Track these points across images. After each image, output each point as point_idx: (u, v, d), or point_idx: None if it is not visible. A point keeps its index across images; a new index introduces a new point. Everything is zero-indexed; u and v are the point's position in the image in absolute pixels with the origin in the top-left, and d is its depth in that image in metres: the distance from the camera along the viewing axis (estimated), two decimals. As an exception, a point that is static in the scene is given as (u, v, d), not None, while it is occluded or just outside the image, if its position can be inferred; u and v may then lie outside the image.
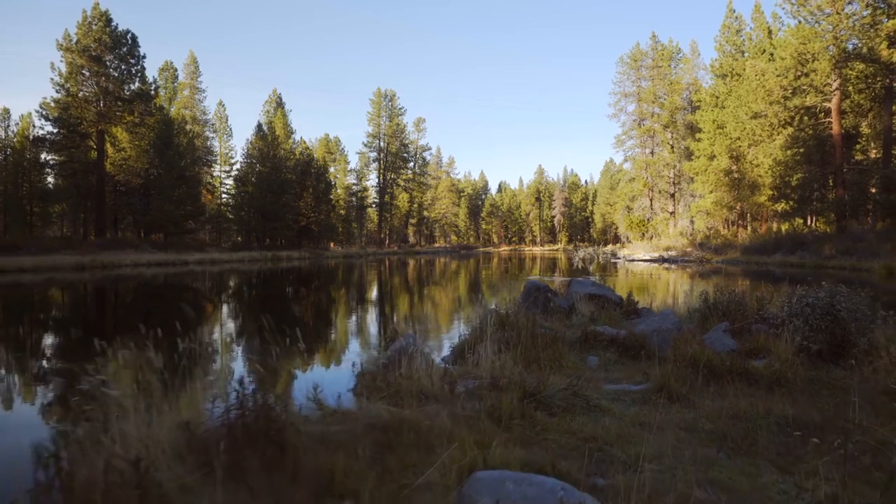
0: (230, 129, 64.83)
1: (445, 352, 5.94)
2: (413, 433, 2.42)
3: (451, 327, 9.72)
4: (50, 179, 48.49)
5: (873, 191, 33.32)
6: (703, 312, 6.44)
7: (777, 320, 5.23)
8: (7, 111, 50.73)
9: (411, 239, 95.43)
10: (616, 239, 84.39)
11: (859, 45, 31.19)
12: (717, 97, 46.41)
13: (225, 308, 15.39)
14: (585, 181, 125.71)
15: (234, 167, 62.94)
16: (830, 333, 4.46)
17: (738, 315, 6.03)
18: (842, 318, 4.42)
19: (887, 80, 31.00)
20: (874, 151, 35.83)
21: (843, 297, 4.56)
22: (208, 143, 61.09)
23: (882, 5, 30.26)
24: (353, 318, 13.38)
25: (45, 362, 7.75)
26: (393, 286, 24.20)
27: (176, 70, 58.75)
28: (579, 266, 36.23)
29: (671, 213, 56.95)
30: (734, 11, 48.79)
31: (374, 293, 20.66)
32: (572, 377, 3.75)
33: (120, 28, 41.57)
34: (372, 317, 13.46)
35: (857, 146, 36.03)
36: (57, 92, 39.82)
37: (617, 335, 5.43)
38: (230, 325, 11.58)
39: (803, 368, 4.20)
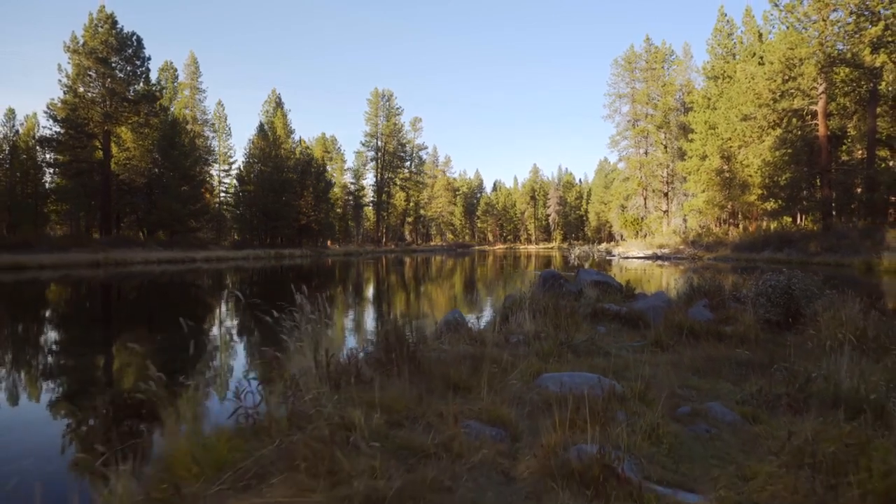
0: (229, 129, 65.75)
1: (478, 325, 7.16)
2: (490, 361, 3.60)
3: (468, 309, 11.26)
4: (47, 178, 49.48)
5: (859, 190, 34.67)
6: (689, 294, 7.66)
7: (746, 299, 6.46)
8: (12, 111, 51.43)
9: (408, 237, 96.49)
10: (610, 237, 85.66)
11: (844, 50, 32.48)
12: (709, 99, 47.60)
13: (282, 296, 16.97)
14: (580, 180, 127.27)
15: (234, 166, 63.90)
16: (786, 307, 5.67)
17: (716, 295, 7.25)
18: (795, 295, 5.62)
19: (871, 84, 32.28)
20: (859, 152, 37.16)
21: (797, 280, 5.77)
22: (208, 142, 61.87)
23: (865, 13, 31.58)
24: (394, 300, 15.27)
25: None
26: (408, 280, 25.74)
27: (176, 70, 59.40)
28: (575, 263, 37.30)
29: (665, 212, 58.25)
30: (726, 15, 50.06)
31: (394, 285, 22.60)
32: (589, 335, 5.00)
33: (125, 30, 42.51)
34: (409, 299, 15.51)
35: (843, 147, 37.37)
36: (64, 93, 40.68)
37: (620, 311, 6.66)
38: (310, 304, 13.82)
39: (762, 332, 5.43)
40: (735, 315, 6.08)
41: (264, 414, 2.34)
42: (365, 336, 4.95)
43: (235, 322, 11.16)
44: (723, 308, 6.67)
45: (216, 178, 63.83)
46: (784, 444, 2.21)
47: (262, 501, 1.70)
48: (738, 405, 3.19)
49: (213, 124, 63.43)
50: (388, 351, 3.35)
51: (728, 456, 2.43)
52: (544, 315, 5.64)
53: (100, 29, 41.52)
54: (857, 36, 31.50)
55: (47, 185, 48.81)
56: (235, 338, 9.38)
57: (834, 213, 34.98)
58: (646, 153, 60.26)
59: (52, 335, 10.01)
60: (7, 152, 48.66)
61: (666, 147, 57.86)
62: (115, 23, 42.06)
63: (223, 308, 13.62)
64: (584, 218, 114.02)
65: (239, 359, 7.57)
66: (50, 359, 7.73)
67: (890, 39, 30.97)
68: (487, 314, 7.01)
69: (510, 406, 2.79)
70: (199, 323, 10.54)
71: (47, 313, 12.93)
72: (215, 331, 10.04)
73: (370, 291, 19.45)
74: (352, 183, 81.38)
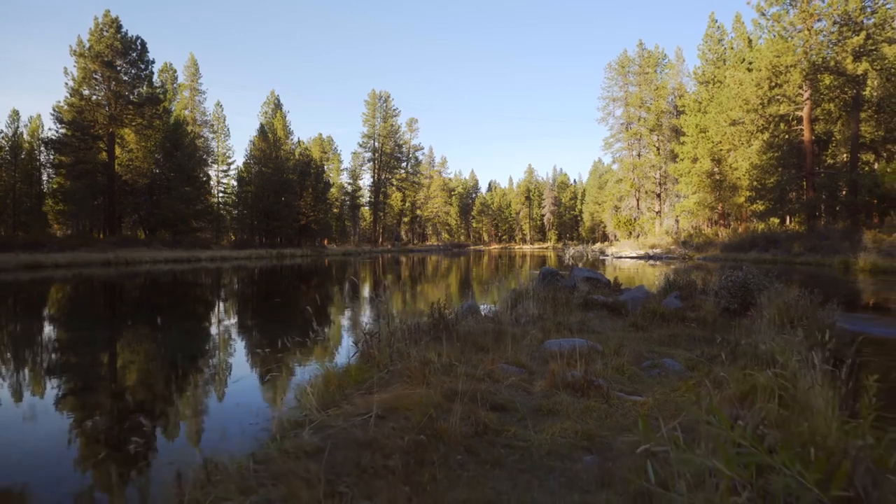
0: (227, 130, 66.56)
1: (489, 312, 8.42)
2: (506, 334, 4.79)
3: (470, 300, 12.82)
4: (45, 178, 50.32)
5: (844, 193, 35.99)
6: (665, 288, 8.89)
7: (712, 291, 7.69)
8: (16, 113, 52.21)
9: (404, 237, 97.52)
10: (604, 237, 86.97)
11: (828, 58, 33.80)
12: (700, 103, 48.84)
13: (317, 289, 19.33)
14: (574, 180, 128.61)
15: (232, 167, 64.81)
16: (742, 298, 6.88)
17: (688, 289, 8.48)
18: (750, 288, 6.83)
19: (854, 90, 33.62)
20: (844, 155, 38.49)
21: (753, 276, 6.99)
22: (207, 143, 62.62)
23: (848, 23, 32.92)
24: (411, 292, 17.03)
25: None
26: (414, 278, 27.02)
27: (175, 72, 60.17)
28: (569, 263, 38.49)
29: (657, 213, 59.55)
30: (716, 21, 51.43)
31: (405, 282, 24.13)
32: (581, 318, 6.23)
33: (129, 34, 43.49)
34: (422, 292, 17.17)
35: (829, 151, 38.72)
36: (70, 95, 41.62)
37: (607, 301, 7.88)
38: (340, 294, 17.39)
39: (720, 317, 6.66)
40: (700, 304, 7.33)
41: (374, 355, 3.57)
42: (405, 315, 6.20)
43: (315, 305, 13.85)
44: (692, 299, 7.91)
45: (214, 178, 64.68)
46: (703, 378, 3.40)
47: (391, 394, 2.88)
48: (685, 361, 4.40)
49: (213, 125, 64.26)
50: (434, 323, 4.55)
51: (667, 383, 3.64)
52: (545, 303, 6.88)
53: (105, 33, 42.47)
54: (840, 45, 32.82)
55: (47, 185, 49.68)
56: (331, 313, 12.33)
57: (822, 215, 36.29)
58: (638, 155, 61.59)
59: (174, 317, 12.11)
60: (7, 151, 49.27)
61: (658, 149, 59.19)
62: (119, 27, 43.02)
63: (294, 297, 16.22)
64: (579, 218, 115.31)
65: (338, 323, 10.56)
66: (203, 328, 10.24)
67: (872, 48, 32.33)
68: (492, 306, 8.21)
69: (526, 357, 4.03)
70: (291, 305, 13.41)
71: (146, 303, 14.89)
72: (307, 309, 13.07)
73: (387, 286, 20.93)
74: (348, 183, 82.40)
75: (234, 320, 11.55)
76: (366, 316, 11.13)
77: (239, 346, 8.39)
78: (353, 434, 2.39)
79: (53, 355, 7.58)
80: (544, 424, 2.99)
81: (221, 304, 14.64)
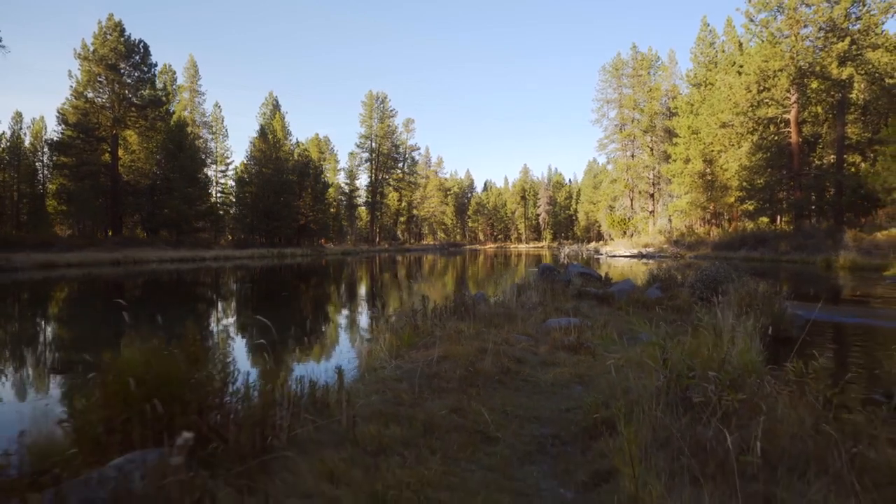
0: (226, 130, 67.26)
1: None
2: (515, 315, 5.86)
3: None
4: (41, 179, 51.09)
5: (831, 193, 37.16)
6: (649, 281, 10.00)
7: (688, 284, 8.81)
8: (19, 115, 52.84)
9: (400, 236, 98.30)
10: (599, 236, 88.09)
11: (814, 63, 34.94)
12: (692, 105, 49.85)
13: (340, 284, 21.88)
14: (569, 180, 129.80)
15: (230, 167, 65.54)
16: (713, 288, 7.97)
17: (668, 282, 9.60)
18: (719, 280, 7.93)
19: (840, 94, 34.79)
20: (831, 157, 39.64)
21: (723, 270, 8.11)
22: (206, 144, 63.33)
23: (833, 29, 34.08)
24: (423, 287, 18.50)
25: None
26: (417, 275, 28.12)
27: (175, 73, 60.71)
28: (565, 262, 39.50)
29: (651, 213, 60.65)
30: (708, 25, 52.62)
31: (410, 278, 25.39)
32: (575, 305, 7.33)
33: (132, 37, 44.29)
34: (432, 286, 18.95)
35: (816, 152, 39.90)
36: (75, 98, 42.36)
37: (597, 292, 8.98)
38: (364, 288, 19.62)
39: (694, 305, 7.77)
40: (677, 294, 8.44)
41: (419, 326, 4.65)
42: (427, 301, 7.39)
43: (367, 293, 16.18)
44: (671, 290, 9.01)
45: (213, 178, 65.37)
46: (665, 342, 4.48)
47: (440, 349, 3.94)
48: (656, 335, 5.48)
49: (212, 126, 64.97)
50: (457, 306, 5.63)
51: (639, 346, 4.71)
52: (544, 294, 8.00)
53: (108, 36, 43.23)
54: (825, 50, 33.96)
55: (48, 186, 50.40)
56: (368, 300, 14.91)
57: (812, 214, 37.47)
58: (632, 156, 62.64)
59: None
60: (8, 152, 49.83)
61: (652, 150, 60.26)
62: (123, 30, 43.78)
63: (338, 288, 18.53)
64: (574, 217, 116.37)
65: (380, 306, 12.68)
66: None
67: (857, 53, 33.48)
68: (499, 297, 9.34)
69: (532, 330, 5.14)
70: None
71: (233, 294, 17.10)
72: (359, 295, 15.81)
73: (396, 282, 22.56)
74: (346, 183, 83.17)
75: (291, 307, 13.44)
76: (396, 302, 12.48)
77: (309, 322, 10.37)
78: (421, 370, 3.47)
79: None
80: (548, 370, 4.14)
81: (270, 297, 16.35)
